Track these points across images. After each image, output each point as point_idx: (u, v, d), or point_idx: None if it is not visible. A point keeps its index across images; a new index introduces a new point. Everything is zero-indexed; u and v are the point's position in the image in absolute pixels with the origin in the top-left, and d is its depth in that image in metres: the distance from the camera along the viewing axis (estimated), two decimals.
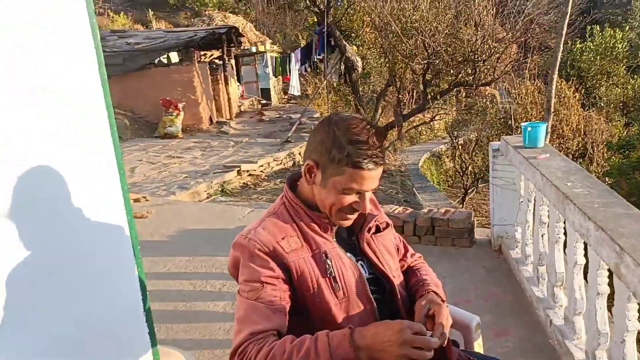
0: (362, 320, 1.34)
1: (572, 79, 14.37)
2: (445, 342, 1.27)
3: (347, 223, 1.41)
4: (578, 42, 20.51)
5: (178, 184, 7.82)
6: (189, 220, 5.45)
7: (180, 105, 12.25)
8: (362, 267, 1.43)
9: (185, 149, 10.87)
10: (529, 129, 3.38)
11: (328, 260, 1.36)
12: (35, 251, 1.55)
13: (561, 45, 5.15)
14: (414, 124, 14.24)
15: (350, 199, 1.34)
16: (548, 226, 3.00)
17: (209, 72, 13.74)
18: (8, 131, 1.49)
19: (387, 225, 1.54)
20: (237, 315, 1.32)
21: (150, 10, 21.63)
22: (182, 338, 3.09)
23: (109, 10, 21.23)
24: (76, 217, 1.69)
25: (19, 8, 1.51)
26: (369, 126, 1.35)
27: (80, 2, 1.66)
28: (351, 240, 1.46)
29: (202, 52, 14.62)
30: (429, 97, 10.54)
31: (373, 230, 1.48)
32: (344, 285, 1.35)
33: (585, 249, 2.36)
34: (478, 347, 1.61)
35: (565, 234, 2.68)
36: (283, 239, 1.34)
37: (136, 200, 6.17)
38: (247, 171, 8.92)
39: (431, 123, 14.37)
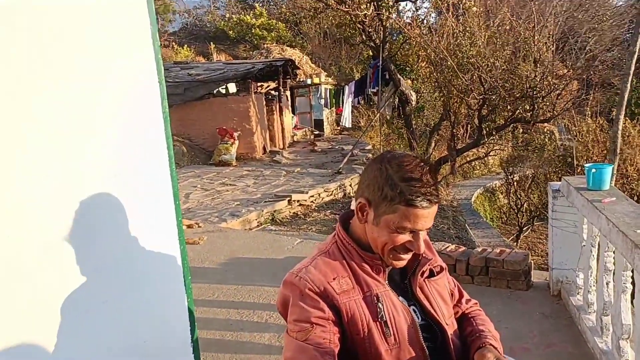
0: None
1: (637, 118, 13.72)
2: None
3: (401, 264, 1.36)
4: None
5: (230, 211, 7.95)
6: (239, 248, 5.50)
7: (235, 134, 12.59)
8: (415, 312, 1.37)
9: (238, 177, 11.09)
10: (594, 170, 3.22)
11: (379, 304, 1.31)
12: (92, 278, 1.59)
13: (628, 85, 4.93)
14: (468, 159, 13.96)
15: (404, 238, 1.30)
16: (614, 274, 2.82)
17: (264, 102, 14.10)
18: (71, 161, 1.56)
19: (442, 269, 1.48)
20: (284, 355, 1.29)
21: (212, 43, 22.61)
22: None
23: (174, 43, 22.41)
24: (132, 245, 1.73)
25: (92, 46, 1.60)
26: (422, 163, 1.30)
27: (147, 41, 1.74)
28: (404, 284, 1.41)
29: (258, 84, 15.04)
30: (484, 132, 10.32)
31: (427, 274, 1.42)
32: (395, 330, 1.31)
33: None
34: None
35: (633, 283, 2.51)
36: (334, 279, 1.31)
37: (189, 227, 6.32)
38: (298, 201, 8.98)
39: (485, 158, 14.04)
